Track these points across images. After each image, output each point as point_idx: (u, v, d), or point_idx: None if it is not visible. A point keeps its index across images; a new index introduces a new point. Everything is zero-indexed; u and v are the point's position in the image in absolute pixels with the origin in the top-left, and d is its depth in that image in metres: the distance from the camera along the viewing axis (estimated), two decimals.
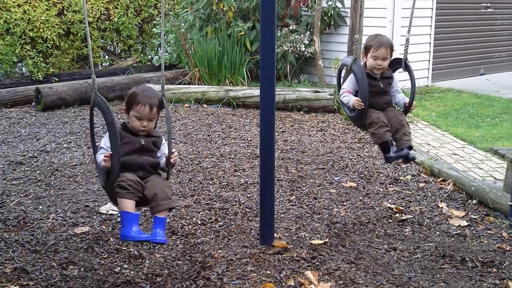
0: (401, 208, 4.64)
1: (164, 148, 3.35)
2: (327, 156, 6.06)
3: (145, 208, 4.30)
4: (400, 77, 4.46)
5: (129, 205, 3.07)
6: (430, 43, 10.27)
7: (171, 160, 3.23)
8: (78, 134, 7.03)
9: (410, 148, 4.11)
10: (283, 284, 3.36)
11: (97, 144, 3.34)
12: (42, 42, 9.58)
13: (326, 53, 10.22)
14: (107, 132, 3.17)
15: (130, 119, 3.25)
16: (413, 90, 4.17)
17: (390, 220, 4.42)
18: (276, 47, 9.24)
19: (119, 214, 3.99)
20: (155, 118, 3.27)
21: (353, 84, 4.13)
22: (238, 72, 9.59)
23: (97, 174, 5.35)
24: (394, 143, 4.12)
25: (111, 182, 3.13)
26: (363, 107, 4.01)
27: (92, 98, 3.22)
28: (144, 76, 9.84)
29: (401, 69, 4.24)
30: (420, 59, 10.02)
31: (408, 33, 4.14)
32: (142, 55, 11.41)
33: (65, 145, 6.51)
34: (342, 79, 4.67)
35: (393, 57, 4.21)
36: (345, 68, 4.36)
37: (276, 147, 6.19)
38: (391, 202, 4.78)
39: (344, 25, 10.01)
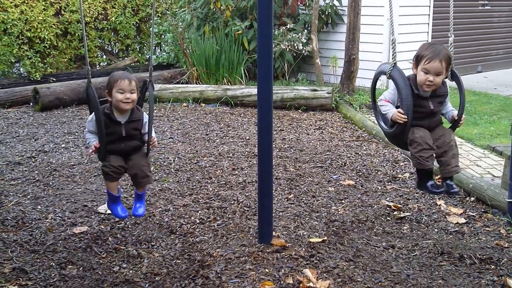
0: (399, 205, 4.64)
1: (147, 127, 3.61)
2: (325, 155, 6.07)
3: None
4: None
5: (112, 186, 3.67)
6: (427, 40, 10.27)
7: (150, 145, 3.61)
8: (76, 134, 7.03)
9: (452, 177, 3.62)
10: (282, 282, 3.36)
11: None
12: (39, 42, 9.58)
13: (324, 51, 10.23)
14: (92, 116, 3.52)
15: (114, 96, 3.52)
16: (462, 103, 3.56)
17: (388, 218, 4.43)
18: (273, 45, 9.22)
19: None
20: (135, 92, 3.56)
21: (394, 95, 3.55)
22: (236, 71, 9.60)
23: (95, 174, 5.37)
24: (441, 164, 3.60)
25: (101, 160, 3.65)
26: (406, 120, 3.43)
27: (86, 88, 3.47)
28: (141, 75, 9.77)
29: (447, 79, 3.59)
30: None
31: (451, 35, 3.60)
32: (139, 55, 11.40)
33: (63, 145, 6.51)
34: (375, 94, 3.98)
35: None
36: (383, 76, 3.67)
37: (274, 145, 6.20)
38: (389, 200, 4.78)
39: (341, 24, 10.01)
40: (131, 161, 3.63)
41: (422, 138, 3.49)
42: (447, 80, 3.62)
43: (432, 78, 3.43)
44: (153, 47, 11.24)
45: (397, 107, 3.54)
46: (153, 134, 3.64)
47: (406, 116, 3.42)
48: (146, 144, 3.63)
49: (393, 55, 3.57)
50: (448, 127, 3.68)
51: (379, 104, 3.62)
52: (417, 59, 3.50)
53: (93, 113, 3.49)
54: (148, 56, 11.55)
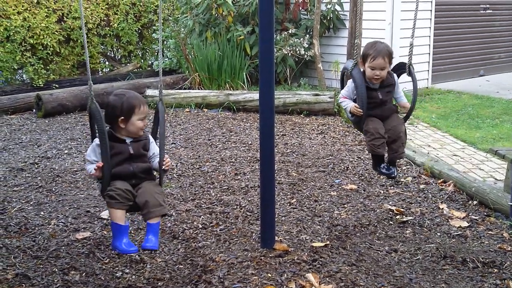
0: (402, 210, 4.64)
1: (154, 148, 3.37)
2: (327, 159, 6.07)
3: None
4: (401, 79, 4.36)
5: (118, 215, 3.13)
6: (429, 45, 10.29)
7: (164, 166, 3.27)
8: (79, 140, 7.05)
9: (395, 163, 4.20)
10: (284, 286, 3.36)
11: None
12: (42, 49, 9.62)
13: (326, 56, 10.24)
14: (92, 144, 3.24)
15: (134, 124, 3.25)
16: (414, 97, 4.08)
17: (391, 222, 4.42)
18: (275, 50, 9.22)
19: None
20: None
21: (351, 90, 4.06)
22: (238, 76, 9.62)
23: (97, 180, 5.38)
24: (390, 150, 4.13)
25: (103, 191, 3.20)
26: (361, 113, 3.95)
27: (89, 105, 3.24)
28: (144, 81, 9.86)
29: (405, 74, 4.14)
30: (419, 61, 10.04)
31: (412, 38, 4.05)
32: (142, 61, 11.44)
33: (66, 151, 6.53)
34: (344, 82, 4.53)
35: (397, 62, 4.16)
36: (346, 72, 4.21)
37: (276, 150, 6.21)
38: (391, 204, 4.78)
39: (343, 28, 10.03)
40: (141, 188, 3.20)
41: (374, 129, 3.99)
42: (400, 76, 4.19)
43: (379, 73, 3.94)
44: (162, 62, 11.26)
45: (354, 100, 4.06)
46: (166, 156, 3.32)
47: (361, 110, 3.94)
48: (158, 170, 3.28)
49: (355, 56, 4.03)
50: (402, 118, 4.19)
51: (339, 101, 4.18)
52: (364, 58, 3.99)
53: (93, 140, 3.24)
54: (150, 62, 11.58)
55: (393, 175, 4.23)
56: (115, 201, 3.10)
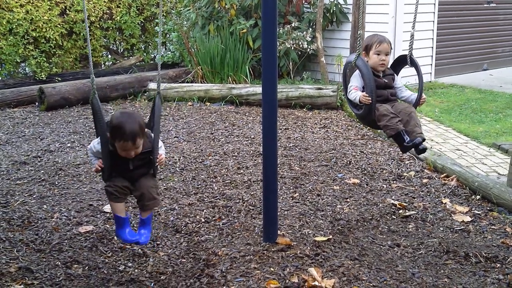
0: (405, 204, 4.64)
1: (157, 152, 3.38)
2: (330, 153, 6.06)
3: None
4: (403, 73, 4.37)
5: (118, 208, 3.36)
6: (432, 38, 10.24)
7: (157, 163, 3.39)
8: (82, 133, 7.05)
9: (423, 140, 3.97)
10: (287, 281, 3.36)
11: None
12: (45, 42, 9.61)
13: (329, 50, 10.21)
14: (98, 140, 3.27)
15: (118, 149, 3.20)
16: (420, 84, 4.08)
17: (393, 216, 4.42)
18: (278, 44, 9.18)
19: None
20: (140, 145, 3.23)
21: (360, 80, 4.04)
22: (241, 70, 9.60)
23: (100, 174, 5.38)
24: (407, 133, 3.98)
25: (106, 180, 3.39)
26: (371, 101, 3.92)
27: (90, 99, 3.23)
28: (146, 74, 9.83)
29: (407, 66, 4.15)
30: (423, 54, 10.01)
31: (413, 29, 4.05)
32: (144, 54, 11.42)
33: (68, 145, 6.53)
34: (347, 78, 4.46)
35: (398, 55, 4.19)
36: (349, 66, 4.19)
37: (279, 144, 6.20)
38: (394, 199, 4.78)
39: (346, 22, 9.99)
40: (137, 182, 3.37)
41: (387, 110, 3.98)
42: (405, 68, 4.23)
43: (384, 57, 4.06)
44: (161, 52, 11.22)
45: (363, 88, 4.05)
46: (161, 151, 3.41)
47: (370, 98, 3.92)
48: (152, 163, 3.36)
49: (357, 48, 3.98)
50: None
51: (349, 93, 4.11)
52: (367, 48, 4.10)
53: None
54: (153, 56, 11.56)
55: (420, 146, 3.96)
56: (114, 196, 3.32)
